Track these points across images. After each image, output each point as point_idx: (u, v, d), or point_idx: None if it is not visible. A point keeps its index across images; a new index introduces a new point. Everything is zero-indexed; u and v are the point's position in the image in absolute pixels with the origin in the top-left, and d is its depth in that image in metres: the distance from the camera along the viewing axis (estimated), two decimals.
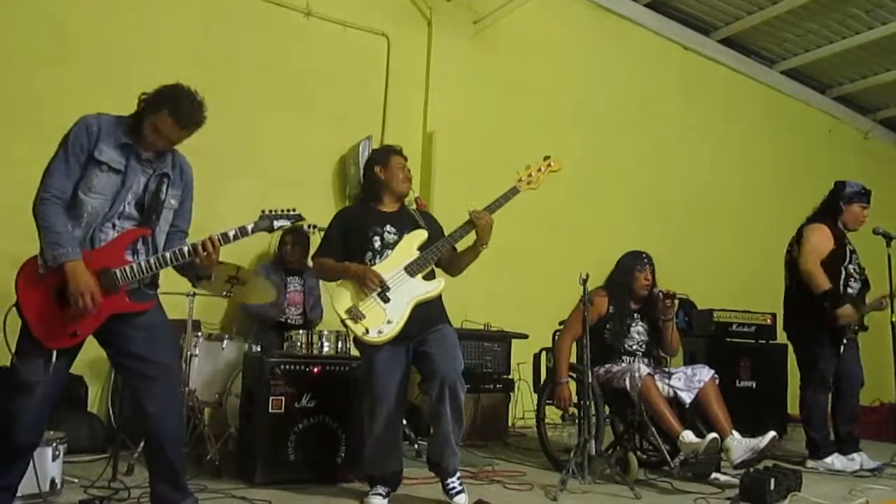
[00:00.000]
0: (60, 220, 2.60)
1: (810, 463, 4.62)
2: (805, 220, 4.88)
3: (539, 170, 3.56)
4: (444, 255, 3.51)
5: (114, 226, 2.70)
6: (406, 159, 3.65)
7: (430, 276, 3.47)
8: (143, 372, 2.72)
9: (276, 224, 2.88)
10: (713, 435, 3.80)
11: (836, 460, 4.56)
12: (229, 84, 5.50)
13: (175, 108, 2.68)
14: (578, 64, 7.33)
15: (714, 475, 4.01)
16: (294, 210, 2.93)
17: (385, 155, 3.65)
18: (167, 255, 2.74)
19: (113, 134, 2.68)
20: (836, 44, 8.11)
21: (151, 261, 2.72)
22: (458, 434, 3.37)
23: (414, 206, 3.79)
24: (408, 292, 3.36)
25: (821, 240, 4.62)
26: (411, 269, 3.39)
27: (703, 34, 8.21)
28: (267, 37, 5.74)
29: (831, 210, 4.76)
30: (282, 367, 3.75)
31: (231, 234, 2.78)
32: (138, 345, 2.71)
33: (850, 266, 4.67)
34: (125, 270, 2.67)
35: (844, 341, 4.62)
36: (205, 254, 2.71)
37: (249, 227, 2.83)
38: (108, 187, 2.67)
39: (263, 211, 2.91)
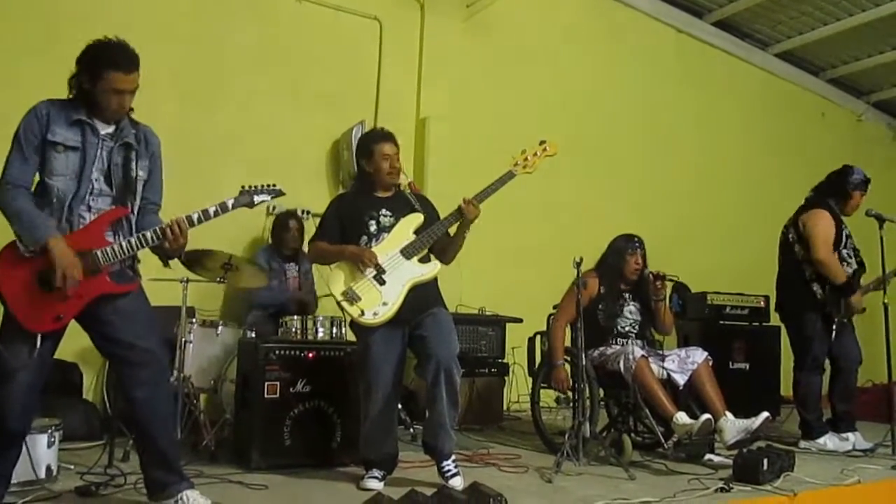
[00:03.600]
0: (27, 204, 2.59)
1: (803, 443, 4.64)
2: (805, 201, 4.86)
3: (535, 154, 3.56)
4: (438, 242, 3.50)
5: (89, 207, 2.68)
6: (393, 142, 3.59)
7: (426, 260, 3.48)
8: (128, 358, 2.72)
9: (257, 199, 2.85)
10: (706, 416, 3.82)
11: (828, 441, 4.59)
12: (221, 69, 5.47)
13: (114, 62, 2.64)
14: (572, 47, 7.29)
15: (707, 456, 4.04)
16: (274, 185, 2.90)
17: (368, 147, 3.59)
18: (148, 234, 2.71)
19: (63, 113, 2.66)
20: (830, 26, 8.08)
21: (132, 241, 2.70)
22: (454, 417, 3.40)
23: (408, 191, 3.79)
24: (404, 275, 3.37)
25: (829, 226, 4.60)
26: (407, 252, 3.40)
27: (696, 17, 8.17)
28: (259, 21, 5.70)
29: (837, 192, 4.73)
30: (277, 352, 3.76)
31: (211, 210, 2.77)
32: (122, 331, 2.71)
33: (845, 250, 4.68)
34: (106, 251, 2.65)
35: (835, 325, 4.64)
36: (172, 236, 2.69)
37: (230, 203, 2.81)
38: (69, 166, 2.64)
39: (244, 186, 2.87)
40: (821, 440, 4.61)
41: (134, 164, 2.76)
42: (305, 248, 5.38)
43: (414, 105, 6.35)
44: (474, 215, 3.42)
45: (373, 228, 3.48)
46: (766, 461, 3.56)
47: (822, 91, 9.36)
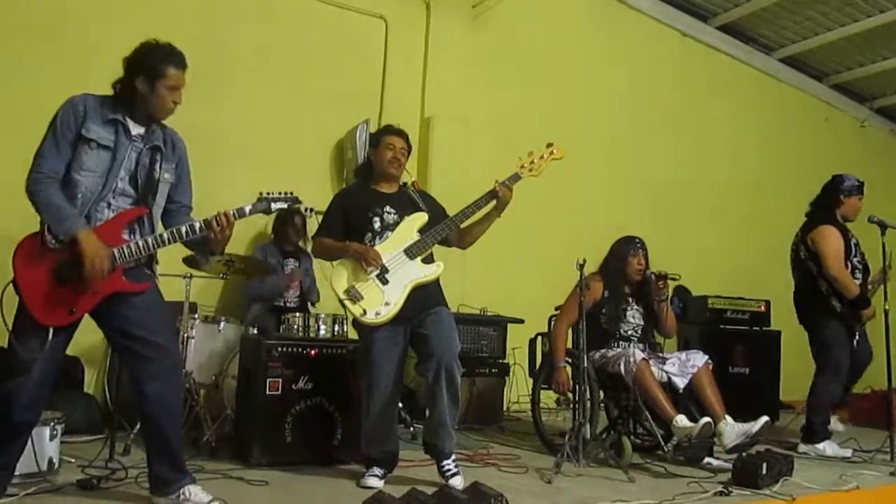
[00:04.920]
0: (58, 196, 2.62)
1: (802, 447, 4.66)
2: (806, 218, 4.95)
3: (541, 157, 3.55)
4: (452, 232, 3.51)
5: (109, 205, 2.72)
6: (402, 137, 3.63)
7: (429, 259, 3.49)
8: (140, 353, 2.75)
9: (274, 206, 2.91)
10: (706, 419, 3.83)
11: (827, 447, 4.60)
12: (227, 66, 5.47)
13: (173, 60, 2.72)
14: (577, 48, 7.30)
15: (707, 459, 4.04)
16: (291, 193, 2.96)
17: (378, 136, 3.67)
18: (164, 234, 2.77)
19: (99, 111, 2.70)
20: (834, 31, 8.09)
21: (149, 240, 2.74)
22: (455, 416, 3.40)
23: (412, 189, 3.79)
24: (406, 275, 3.38)
25: (837, 241, 4.71)
26: (411, 252, 3.40)
27: (701, 20, 8.18)
28: (264, 19, 5.70)
29: (831, 203, 4.83)
30: (279, 349, 3.77)
31: (231, 213, 2.81)
32: (136, 325, 2.73)
33: (855, 259, 4.79)
34: (122, 250, 2.69)
35: (857, 335, 4.77)
36: (219, 228, 2.75)
37: (247, 209, 2.87)
38: (98, 164, 2.69)
39: (261, 193, 2.93)
40: (820, 445, 4.62)
41: (159, 166, 2.81)
42: (307, 245, 5.43)
43: (419, 104, 6.36)
44: (509, 199, 3.44)
45: (377, 226, 3.49)
46: (765, 465, 3.56)
47: (825, 96, 9.37)
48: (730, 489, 3.44)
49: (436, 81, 6.37)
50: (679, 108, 7.93)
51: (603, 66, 7.45)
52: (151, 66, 2.70)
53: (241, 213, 2.83)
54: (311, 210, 5.43)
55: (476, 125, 6.37)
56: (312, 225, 5.54)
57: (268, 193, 2.92)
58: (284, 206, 2.93)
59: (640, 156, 7.58)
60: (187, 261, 4.22)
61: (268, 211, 2.92)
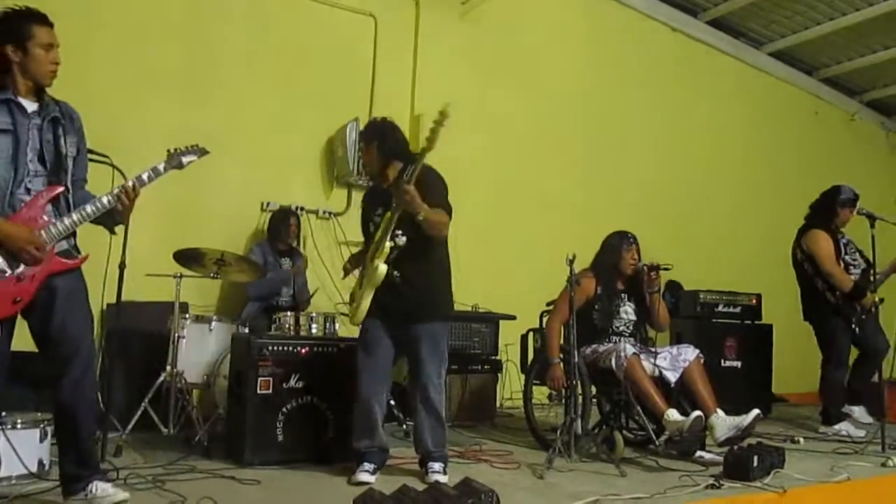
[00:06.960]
0: None
1: (822, 429, 5.19)
2: (803, 223, 5.44)
3: (431, 129, 3.27)
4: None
5: (28, 190, 2.67)
6: (364, 134, 3.83)
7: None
8: (58, 340, 2.68)
9: (185, 160, 2.96)
10: (697, 413, 3.84)
11: (844, 427, 5.12)
12: (216, 65, 5.46)
13: (36, 19, 2.68)
14: (567, 45, 7.30)
15: (699, 453, 4.06)
16: (198, 145, 3.01)
17: None
18: (88, 208, 2.73)
19: None
20: (824, 25, 8.11)
21: (74, 217, 2.70)
22: (437, 430, 3.51)
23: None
24: (369, 279, 3.47)
25: (826, 242, 5.24)
26: (371, 255, 3.51)
27: (691, 15, 8.19)
28: (254, 17, 5.68)
29: (826, 211, 5.34)
30: (270, 348, 3.76)
31: (145, 176, 2.85)
32: (56, 313, 2.67)
33: (847, 257, 5.28)
34: (50, 230, 2.65)
35: (854, 321, 5.17)
36: (127, 199, 2.76)
37: (161, 167, 2.90)
38: (2, 149, 2.62)
39: (169, 150, 2.95)
40: (837, 426, 5.14)
41: (63, 140, 2.76)
42: (300, 245, 5.45)
43: (408, 102, 6.33)
44: (404, 203, 3.29)
45: (372, 230, 3.59)
46: (756, 458, 3.58)
47: (815, 90, 9.40)
48: (721, 482, 3.45)
49: (425, 79, 6.36)
50: (669, 102, 7.93)
51: (592, 62, 7.45)
52: (17, 31, 2.65)
53: (156, 172, 2.85)
54: (302, 208, 5.47)
55: (466, 122, 6.35)
56: (305, 224, 5.58)
57: (176, 149, 2.95)
58: (195, 157, 2.99)
59: (629, 151, 7.59)
60: (178, 258, 4.22)
61: (180, 166, 2.95)
